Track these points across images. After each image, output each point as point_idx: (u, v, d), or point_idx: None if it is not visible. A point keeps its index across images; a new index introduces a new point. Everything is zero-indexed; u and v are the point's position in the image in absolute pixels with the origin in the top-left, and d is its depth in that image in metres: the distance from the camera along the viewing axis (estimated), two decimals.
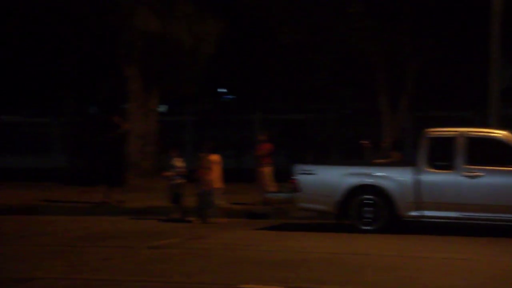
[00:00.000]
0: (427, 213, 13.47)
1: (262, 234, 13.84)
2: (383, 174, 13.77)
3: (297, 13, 19.78)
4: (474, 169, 13.24)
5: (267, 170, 16.99)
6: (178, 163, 15.59)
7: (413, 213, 13.54)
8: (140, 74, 20.40)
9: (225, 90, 30.66)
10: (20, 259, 11.33)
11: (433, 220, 13.52)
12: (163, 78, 20.80)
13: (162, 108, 24.99)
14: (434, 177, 13.45)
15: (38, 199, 17.73)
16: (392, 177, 13.66)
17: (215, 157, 15.28)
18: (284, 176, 15.20)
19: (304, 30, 19.87)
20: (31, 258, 11.41)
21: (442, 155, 13.51)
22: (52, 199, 17.75)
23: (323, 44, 19.98)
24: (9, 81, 23.21)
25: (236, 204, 16.49)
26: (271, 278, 9.63)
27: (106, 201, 16.75)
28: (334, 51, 20.20)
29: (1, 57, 22.00)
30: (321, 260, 10.95)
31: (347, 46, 19.82)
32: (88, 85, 22.27)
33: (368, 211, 13.66)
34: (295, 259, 11.03)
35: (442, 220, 13.49)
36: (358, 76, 22.00)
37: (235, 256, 11.37)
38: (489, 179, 13.16)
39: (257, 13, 20.23)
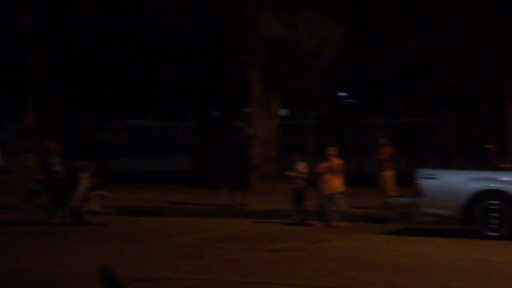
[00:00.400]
0: None
1: (383, 238, 13.81)
2: (510, 179, 13.45)
3: (421, 15, 19.56)
4: None
5: (388, 174, 16.90)
6: (301, 167, 15.78)
7: None
8: (262, 78, 20.73)
9: (345, 94, 30.63)
10: (150, 258, 11.80)
11: None
12: (284, 83, 21.06)
13: (283, 112, 25.25)
14: None
15: (165, 201, 18.31)
16: None
17: (337, 161, 15.37)
18: (405, 180, 15.09)
19: (428, 32, 19.63)
20: (160, 258, 11.86)
21: None
22: (178, 201, 18.29)
23: (447, 47, 19.67)
24: (138, 87, 24.12)
25: (357, 208, 16.50)
26: (393, 284, 9.63)
27: (230, 204, 17.11)
28: (459, 54, 19.84)
29: (131, 65, 22.88)
30: (444, 266, 10.84)
31: (472, 48, 19.43)
32: (212, 90, 22.82)
33: (493, 217, 13.37)
34: (417, 264, 10.96)
35: None
36: (482, 79, 21.51)
37: (356, 260, 11.42)
38: None
39: (379, 16, 20.14)
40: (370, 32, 22.23)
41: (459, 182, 13.70)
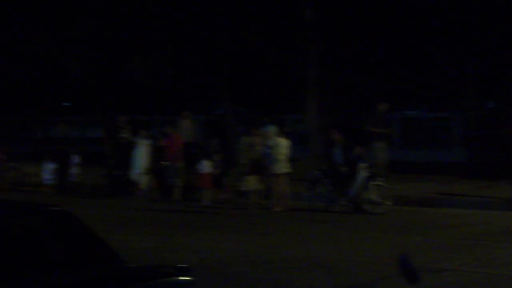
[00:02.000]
0: None
1: None
2: None
3: None
4: None
5: None
6: None
7: None
8: None
9: None
10: (428, 249, 11.95)
11: None
12: None
13: None
14: None
15: (440, 192, 18.24)
16: None
17: None
18: None
19: None
20: (438, 249, 11.98)
21: None
22: (454, 193, 18.12)
23: None
24: (413, 78, 24.19)
25: None
26: None
27: None
28: None
29: (407, 56, 23.05)
30: None
31: None
32: (488, 80, 22.25)
33: None
34: None
35: None
36: None
37: None
38: None
39: None
40: None
41: None
